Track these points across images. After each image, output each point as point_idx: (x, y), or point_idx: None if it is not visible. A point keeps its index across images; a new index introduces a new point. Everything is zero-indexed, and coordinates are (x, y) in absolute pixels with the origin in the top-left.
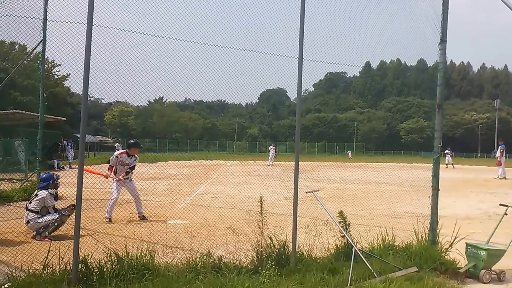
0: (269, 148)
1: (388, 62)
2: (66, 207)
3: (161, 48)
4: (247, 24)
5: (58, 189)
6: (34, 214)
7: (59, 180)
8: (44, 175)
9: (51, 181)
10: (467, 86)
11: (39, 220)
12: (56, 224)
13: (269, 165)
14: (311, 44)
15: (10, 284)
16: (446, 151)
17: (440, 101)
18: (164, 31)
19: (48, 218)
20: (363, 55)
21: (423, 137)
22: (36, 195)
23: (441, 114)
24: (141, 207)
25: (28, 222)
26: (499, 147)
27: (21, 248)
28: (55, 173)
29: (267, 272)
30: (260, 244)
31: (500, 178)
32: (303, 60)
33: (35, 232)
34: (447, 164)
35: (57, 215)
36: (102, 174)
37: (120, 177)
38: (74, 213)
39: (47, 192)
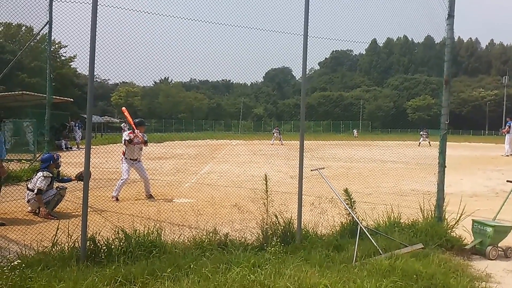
0: (273, 132)
1: (394, 39)
2: (76, 174)
3: (166, 28)
4: (251, 1)
5: (61, 168)
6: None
7: (60, 160)
8: (45, 156)
9: (51, 162)
10: (475, 62)
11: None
12: (56, 199)
13: (272, 144)
14: (317, 21)
15: (19, 261)
16: (422, 132)
17: (447, 77)
18: (168, 9)
19: (47, 194)
20: (369, 32)
21: (430, 114)
22: (36, 175)
23: (448, 90)
24: (149, 186)
25: (28, 201)
26: (507, 124)
27: (30, 227)
28: (56, 153)
29: (272, 249)
30: (266, 221)
31: (508, 155)
32: (308, 37)
33: (36, 210)
34: (420, 143)
35: (55, 191)
36: (132, 124)
37: (138, 136)
38: (82, 192)
39: (41, 174)
